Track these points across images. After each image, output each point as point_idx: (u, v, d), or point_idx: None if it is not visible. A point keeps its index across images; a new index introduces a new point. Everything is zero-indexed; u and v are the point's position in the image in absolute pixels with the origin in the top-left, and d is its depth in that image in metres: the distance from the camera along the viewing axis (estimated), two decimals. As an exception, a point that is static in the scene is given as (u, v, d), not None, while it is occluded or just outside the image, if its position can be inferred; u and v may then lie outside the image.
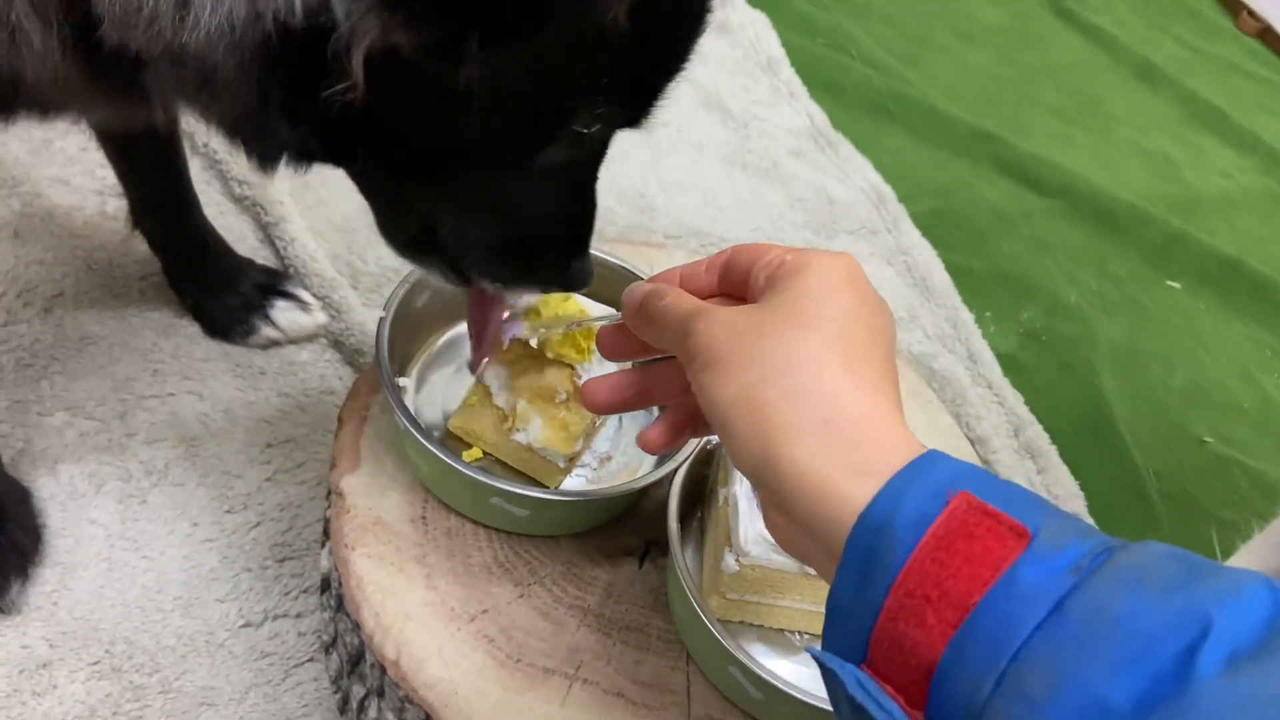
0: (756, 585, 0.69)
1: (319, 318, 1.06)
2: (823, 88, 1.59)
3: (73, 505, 0.91)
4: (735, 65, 1.57)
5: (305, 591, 0.91)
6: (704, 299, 0.56)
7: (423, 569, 0.71)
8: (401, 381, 0.77)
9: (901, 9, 1.85)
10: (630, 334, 0.58)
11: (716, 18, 1.92)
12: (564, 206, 0.65)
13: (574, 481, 0.77)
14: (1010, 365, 1.31)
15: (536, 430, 0.72)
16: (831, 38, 1.70)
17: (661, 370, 0.59)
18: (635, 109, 0.60)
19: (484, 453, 0.75)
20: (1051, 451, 1.21)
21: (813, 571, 0.68)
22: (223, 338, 1.04)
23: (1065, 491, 1.18)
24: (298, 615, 0.90)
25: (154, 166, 0.95)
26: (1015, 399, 1.26)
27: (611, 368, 0.73)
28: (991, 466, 1.18)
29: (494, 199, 0.62)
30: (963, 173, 1.57)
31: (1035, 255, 1.49)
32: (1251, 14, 2.14)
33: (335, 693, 0.85)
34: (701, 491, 0.77)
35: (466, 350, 0.83)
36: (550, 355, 0.73)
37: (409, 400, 0.77)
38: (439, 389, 0.80)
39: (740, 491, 0.70)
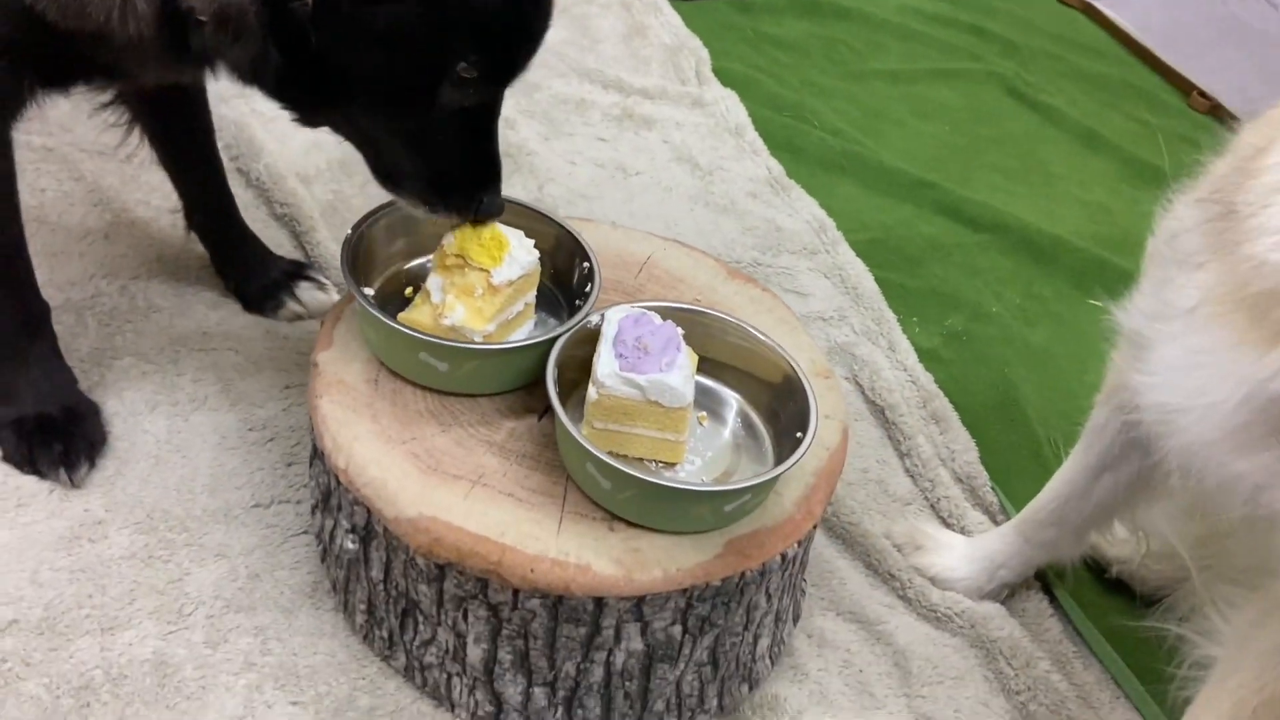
0: (613, 413, 0.92)
1: (334, 296, 1.34)
2: (784, 148, 1.86)
3: (132, 420, 1.18)
4: (707, 131, 1.86)
5: (304, 486, 1.16)
6: None
7: (370, 411, 0.96)
8: (365, 290, 1.03)
9: (864, 90, 2.13)
10: None
11: (692, 94, 2.23)
12: (469, 146, 0.94)
13: (494, 361, 1.01)
14: (930, 358, 1.51)
15: (459, 314, 0.97)
16: (796, 112, 1.98)
17: None
18: (501, 72, 0.89)
19: (424, 337, 1.00)
20: (954, 417, 1.40)
21: (656, 399, 0.91)
22: (257, 311, 1.33)
23: (962, 447, 1.36)
24: (298, 502, 1.14)
25: (196, 166, 1.27)
26: (927, 379, 1.46)
27: (517, 268, 0.98)
28: (897, 427, 1.37)
29: (414, 135, 0.91)
30: (904, 214, 1.80)
31: (965, 277, 1.70)
32: (1202, 93, 2.36)
33: (318, 545, 1.08)
34: (587, 369, 1.01)
35: (418, 276, 1.09)
36: (472, 263, 0.98)
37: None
38: (395, 306, 1.05)
39: (604, 347, 0.93)
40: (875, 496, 1.31)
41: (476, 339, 0.97)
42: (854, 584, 1.20)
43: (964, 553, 1.21)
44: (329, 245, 1.41)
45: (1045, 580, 1.24)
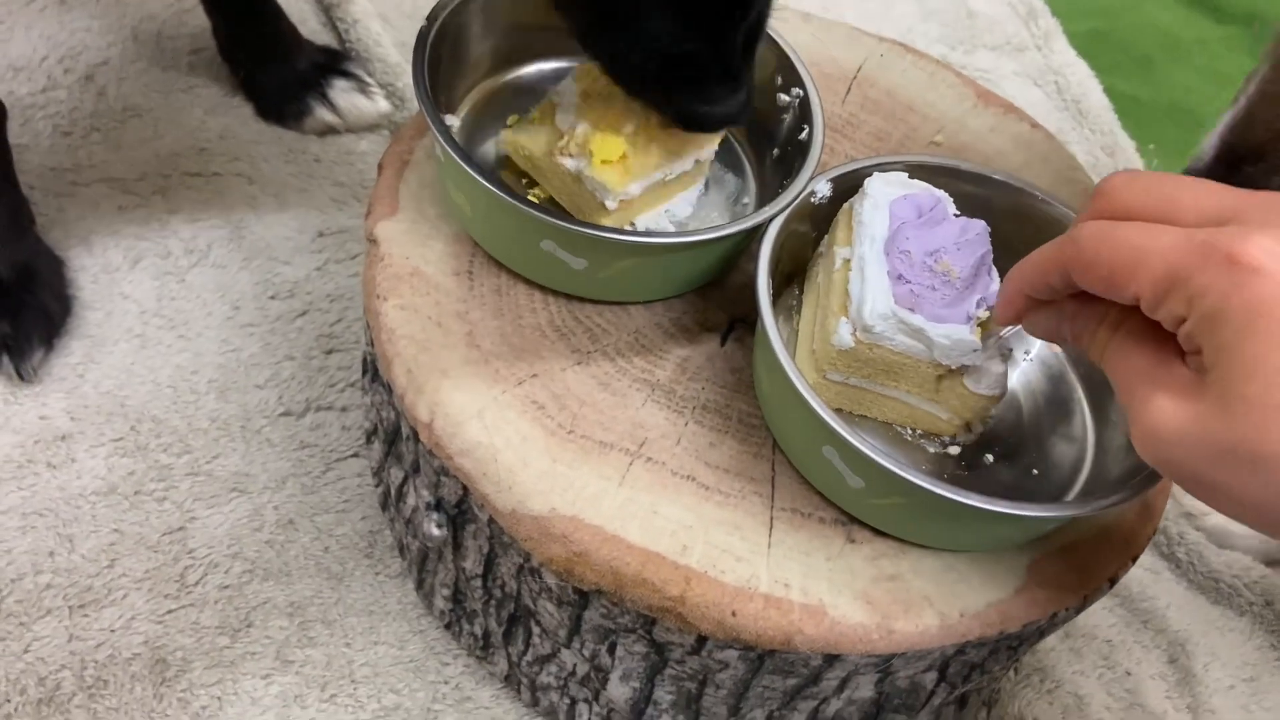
0: (867, 368, 0.56)
1: (381, 105, 0.96)
2: (967, -104, 1.40)
3: (105, 279, 0.83)
4: None
5: (352, 385, 0.82)
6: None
7: (464, 325, 0.60)
8: (448, 119, 0.65)
9: None
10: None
11: None
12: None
13: (648, 242, 0.64)
14: (1174, 203, 1.13)
15: (588, 160, 0.59)
16: None
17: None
18: None
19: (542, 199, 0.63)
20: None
21: (938, 358, 0.55)
22: (275, 119, 0.94)
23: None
24: (343, 409, 0.81)
25: None
26: (1179, 236, 1.08)
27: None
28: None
29: None
30: (1128, -6, 1.37)
31: (1211, 87, 1.29)
32: None
33: (377, 485, 0.76)
34: (799, 265, 0.64)
35: (532, 99, 0.70)
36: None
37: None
38: (494, 140, 0.68)
39: (869, 254, 0.56)
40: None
41: (608, 202, 0.59)
42: (1102, 538, 0.87)
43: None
44: (370, 25, 1.00)
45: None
